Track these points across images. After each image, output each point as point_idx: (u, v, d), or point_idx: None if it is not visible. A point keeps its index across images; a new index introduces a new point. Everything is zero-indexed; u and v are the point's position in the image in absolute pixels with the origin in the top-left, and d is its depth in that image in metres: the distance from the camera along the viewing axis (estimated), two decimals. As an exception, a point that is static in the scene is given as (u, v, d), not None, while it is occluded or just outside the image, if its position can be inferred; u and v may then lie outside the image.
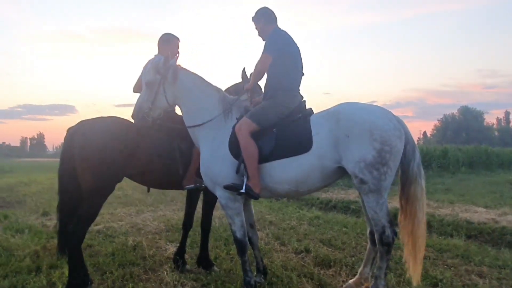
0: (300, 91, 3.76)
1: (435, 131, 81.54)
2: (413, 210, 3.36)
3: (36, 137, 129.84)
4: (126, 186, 11.70)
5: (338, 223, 6.87)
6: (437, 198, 9.52)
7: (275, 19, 3.75)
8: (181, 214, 7.86)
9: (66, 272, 4.02)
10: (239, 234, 3.53)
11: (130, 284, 3.71)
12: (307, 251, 4.94)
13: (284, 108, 3.52)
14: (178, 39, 4.31)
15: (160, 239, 5.74)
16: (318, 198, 10.12)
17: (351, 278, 3.91)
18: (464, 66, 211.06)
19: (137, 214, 7.94)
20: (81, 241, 3.76)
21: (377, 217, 3.23)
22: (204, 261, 4.35)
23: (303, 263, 4.46)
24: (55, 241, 5.51)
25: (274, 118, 3.48)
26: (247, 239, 3.61)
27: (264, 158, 3.36)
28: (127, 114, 3.84)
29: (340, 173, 3.40)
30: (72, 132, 3.80)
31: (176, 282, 3.82)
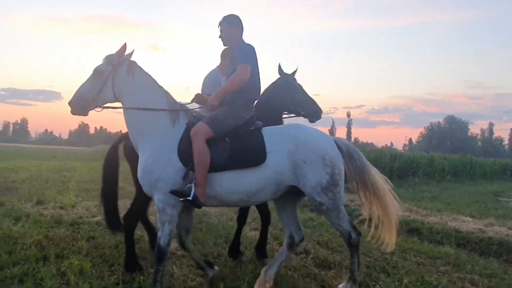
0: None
1: (420, 138, 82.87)
2: (379, 198, 3.64)
3: (19, 122, 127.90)
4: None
5: (331, 225, 7.04)
6: (424, 205, 9.78)
7: (243, 31, 3.85)
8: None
9: (75, 262, 4.12)
10: (163, 242, 3.39)
11: (140, 277, 3.82)
12: (306, 252, 5.11)
13: (239, 118, 3.56)
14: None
15: (160, 233, 5.84)
16: (309, 200, 10.30)
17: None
18: (451, 76, 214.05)
19: (133, 207, 7.99)
20: (133, 230, 4.30)
21: (342, 228, 3.64)
22: (235, 251, 4.76)
23: (304, 264, 4.63)
24: (56, 230, 5.60)
25: (229, 127, 3.50)
26: (169, 248, 3.48)
27: (215, 167, 3.33)
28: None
29: (291, 189, 3.61)
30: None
31: (184, 277, 3.94)
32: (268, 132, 3.54)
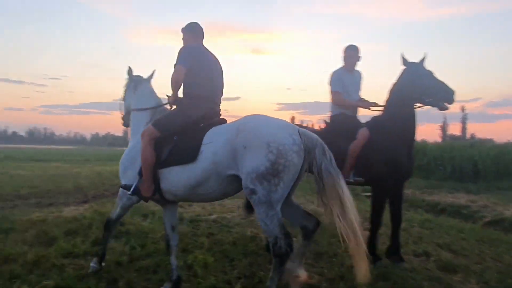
0: (215, 102, 3.85)
1: (549, 133, 73.66)
2: (343, 210, 3.27)
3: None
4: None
5: (453, 228, 6.61)
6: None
7: (201, 37, 4.00)
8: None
9: (199, 256, 4.40)
10: (114, 215, 4.04)
11: (261, 272, 3.95)
12: (427, 254, 4.85)
13: (186, 117, 3.67)
14: (352, 49, 4.88)
15: (273, 232, 5.97)
16: (423, 200, 9.83)
17: (481, 286, 3.81)
18: None
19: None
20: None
21: (268, 229, 3.13)
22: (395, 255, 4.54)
23: (425, 267, 4.40)
24: (178, 227, 5.99)
25: (176, 126, 3.65)
26: (117, 222, 4.17)
27: (162, 163, 3.56)
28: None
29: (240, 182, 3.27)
30: None
31: (303, 275, 3.98)
32: (218, 127, 3.55)
